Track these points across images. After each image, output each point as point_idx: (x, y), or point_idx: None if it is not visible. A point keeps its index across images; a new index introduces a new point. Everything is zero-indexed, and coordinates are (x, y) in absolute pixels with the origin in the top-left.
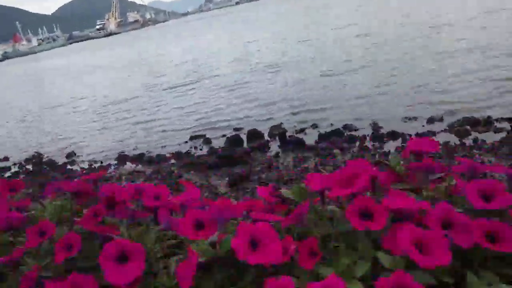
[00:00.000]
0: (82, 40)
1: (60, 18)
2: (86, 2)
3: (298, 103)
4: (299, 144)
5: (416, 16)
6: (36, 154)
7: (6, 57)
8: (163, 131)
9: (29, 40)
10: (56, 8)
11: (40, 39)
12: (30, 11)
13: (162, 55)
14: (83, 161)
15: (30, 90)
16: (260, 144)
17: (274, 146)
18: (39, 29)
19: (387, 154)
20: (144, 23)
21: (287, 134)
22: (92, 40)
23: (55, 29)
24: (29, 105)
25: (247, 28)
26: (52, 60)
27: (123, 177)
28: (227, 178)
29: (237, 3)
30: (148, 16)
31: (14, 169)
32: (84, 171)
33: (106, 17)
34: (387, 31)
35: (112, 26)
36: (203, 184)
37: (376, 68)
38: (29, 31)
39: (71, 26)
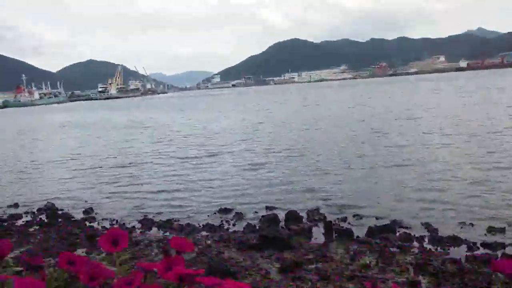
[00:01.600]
0: (82, 100)
1: (63, 77)
2: (89, 66)
3: (328, 191)
4: (347, 235)
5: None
6: (49, 204)
7: (6, 105)
8: (187, 198)
9: (31, 93)
10: (61, 68)
11: (43, 93)
12: (36, 66)
13: (168, 125)
14: (103, 219)
15: (35, 142)
16: (302, 228)
17: (318, 233)
18: (43, 84)
19: (455, 262)
20: (145, 92)
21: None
22: (92, 100)
23: (58, 86)
24: (37, 157)
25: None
26: (59, 115)
27: (153, 244)
28: (278, 263)
29: (233, 85)
30: (148, 86)
31: (26, 217)
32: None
33: (109, 81)
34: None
35: (113, 90)
36: (250, 266)
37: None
38: (32, 84)
39: (73, 86)
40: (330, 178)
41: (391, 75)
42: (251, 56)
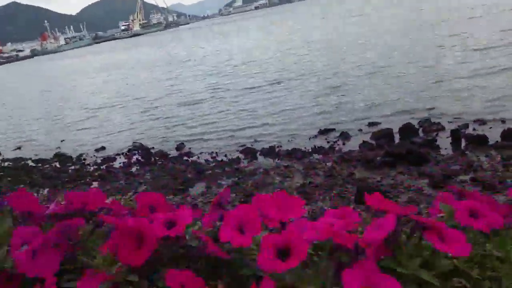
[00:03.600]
0: (107, 40)
1: (84, 19)
2: (108, 4)
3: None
4: (480, 141)
5: None
6: (137, 143)
7: (34, 54)
8: (275, 125)
9: (56, 39)
10: (79, 9)
11: (68, 38)
12: (55, 10)
13: (216, 54)
14: (201, 153)
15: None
16: (425, 140)
17: (445, 144)
18: (66, 28)
19: None
20: (167, 25)
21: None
22: (118, 40)
23: (82, 29)
24: (96, 101)
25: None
26: (106, 55)
27: (272, 173)
28: (424, 179)
29: (256, 7)
30: (170, 18)
31: (120, 159)
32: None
33: (131, 18)
34: None
35: (136, 27)
36: (394, 184)
37: None
38: (56, 30)
39: (95, 27)
40: (416, 92)
41: None
42: None
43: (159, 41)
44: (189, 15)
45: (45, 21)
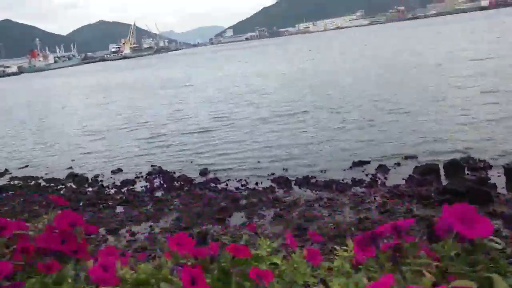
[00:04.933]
0: (96, 61)
1: (75, 40)
2: (100, 27)
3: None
4: None
5: None
6: (157, 167)
7: (21, 71)
8: (304, 155)
9: (45, 57)
10: (71, 30)
11: (57, 56)
12: (46, 30)
13: (206, 82)
14: (228, 180)
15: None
16: (479, 178)
17: (499, 181)
18: (57, 47)
19: None
20: (158, 50)
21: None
22: (106, 61)
23: (72, 49)
24: (98, 124)
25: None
26: (91, 77)
27: (316, 205)
28: (499, 219)
29: (247, 39)
30: (161, 44)
31: (140, 182)
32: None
33: (122, 41)
34: None
35: (127, 50)
36: None
37: None
38: (46, 48)
39: (85, 48)
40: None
41: (409, 19)
42: (264, 7)
43: (152, 64)
44: (180, 42)
45: (36, 39)
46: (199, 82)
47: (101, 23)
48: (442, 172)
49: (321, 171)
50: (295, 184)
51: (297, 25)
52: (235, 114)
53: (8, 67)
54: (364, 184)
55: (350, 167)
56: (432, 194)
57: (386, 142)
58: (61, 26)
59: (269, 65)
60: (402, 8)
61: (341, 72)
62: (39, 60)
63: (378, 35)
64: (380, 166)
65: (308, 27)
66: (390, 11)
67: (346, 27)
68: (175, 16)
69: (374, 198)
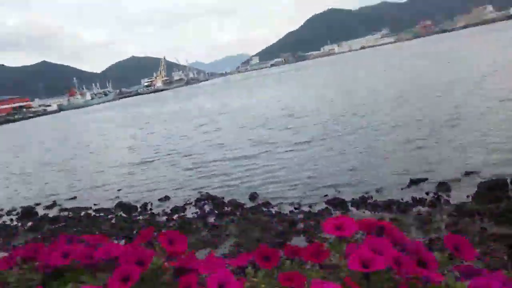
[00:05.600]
0: (130, 96)
1: (109, 76)
2: (131, 63)
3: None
4: None
5: None
6: (205, 193)
7: (61, 108)
8: (356, 175)
9: (83, 95)
10: (104, 68)
11: (93, 93)
12: (80, 69)
13: (243, 108)
14: (281, 203)
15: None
16: None
17: None
18: (93, 84)
19: None
20: (188, 81)
21: None
22: (140, 95)
23: (107, 85)
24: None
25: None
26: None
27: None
28: None
29: (272, 65)
30: (191, 75)
31: (190, 209)
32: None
33: (154, 75)
34: None
35: (159, 83)
36: None
37: None
38: (83, 86)
39: (119, 83)
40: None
41: (437, 32)
42: (288, 33)
43: (185, 96)
44: (208, 72)
45: (74, 78)
46: (234, 109)
47: (132, 59)
48: (510, 186)
49: (377, 191)
50: (352, 206)
51: (322, 48)
52: (274, 139)
53: (48, 105)
54: (427, 203)
55: (408, 186)
56: (505, 210)
57: (441, 159)
58: (95, 64)
59: (298, 89)
60: (429, 22)
61: (377, 92)
62: (77, 98)
63: (404, 54)
64: (440, 183)
65: (333, 49)
66: (416, 26)
67: (371, 46)
68: (201, 48)
69: (441, 217)
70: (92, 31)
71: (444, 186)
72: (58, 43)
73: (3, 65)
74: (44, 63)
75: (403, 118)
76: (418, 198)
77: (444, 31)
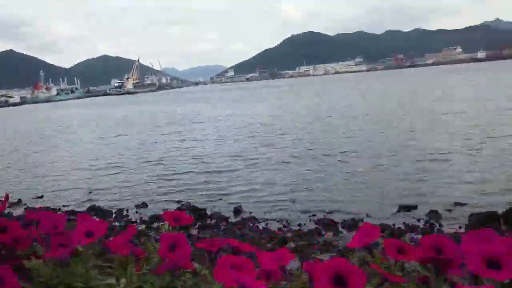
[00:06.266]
0: (99, 95)
1: (78, 73)
2: (102, 62)
3: None
4: None
5: None
6: (185, 203)
7: (24, 101)
8: (340, 196)
9: (48, 89)
10: (74, 63)
11: (60, 89)
12: (50, 62)
13: (216, 118)
14: (267, 219)
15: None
16: None
17: None
18: (60, 80)
19: None
20: (161, 87)
21: None
22: (108, 96)
23: (75, 82)
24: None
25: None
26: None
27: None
28: None
29: (247, 79)
30: (164, 80)
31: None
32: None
33: (126, 76)
34: None
35: (130, 85)
36: None
37: None
38: (50, 80)
39: (88, 81)
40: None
41: (408, 66)
42: (266, 49)
43: (156, 100)
44: (181, 79)
45: (41, 71)
46: (209, 119)
47: (104, 57)
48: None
49: (367, 215)
50: (342, 227)
51: (297, 68)
52: (254, 153)
53: (10, 97)
54: (420, 230)
55: (397, 211)
56: None
57: (430, 187)
58: (64, 59)
59: (278, 105)
60: (401, 56)
61: (358, 117)
62: (42, 92)
63: (377, 81)
64: (431, 211)
65: (308, 71)
66: (388, 58)
67: (345, 72)
68: (177, 54)
69: None
70: (65, 23)
71: (435, 214)
72: (27, 33)
73: None
74: (10, 52)
75: (387, 145)
76: (410, 225)
77: (414, 65)
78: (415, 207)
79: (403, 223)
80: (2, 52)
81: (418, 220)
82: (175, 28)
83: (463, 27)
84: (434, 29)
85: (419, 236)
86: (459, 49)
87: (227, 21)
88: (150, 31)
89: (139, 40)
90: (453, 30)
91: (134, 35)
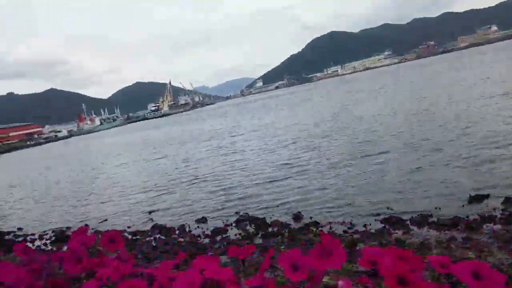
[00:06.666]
0: (138, 120)
1: (115, 102)
2: (135, 88)
3: None
4: None
5: None
6: (244, 214)
7: (71, 134)
8: (402, 192)
9: (92, 120)
10: (110, 94)
11: (102, 118)
12: (88, 95)
13: (271, 127)
14: (331, 222)
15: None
16: None
17: None
18: (101, 110)
19: None
20: (194, 105)
21: None
22: (147, 120)
23: (115, 110)
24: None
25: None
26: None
27: (452, 245)
28: None
29: (276, 87)
30: (196, 99)
31: (232, 230)
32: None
33: (161, 99)
34: None
35: (165, 107)
36: None
37: None
38: (92, 112)
39: (125, 109)
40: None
41: (441, 53)
42: (291, 55)
43: (192, 119)
44: (213, 96)
45: (83, 104)
46: (248, 131)
47: (137, 84)
48: None
49: (436, 208)
50: (411, 224)
51: (325, 69)
52: (301, 160)
53: (59, 131)
54: (498, 221)
55: (469, 203)
56: None
57: (498, 175)
58: (100, 91)
59: (310, 110)
60: (432, 43)
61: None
62: (87, 123)
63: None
64: (507, 199)
65: (337, 71)
66: (420, 47)
67: (375, 67)
68: (206, 73)
69: None
70: (96, 59)
71: (510, 202)
72: (64, 71)
73: (12, 92)
74: (52, 90)
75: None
76: (486, 216)
77: (448, 51)
78: (487, 196)
79: (478, 214)
80: (44, 91)
81: (494, 209)
82: (201, 48)
83: (496, 4)
84: (463, 10)
85: (498, 227)
86: (494, 27)
87: (250, 34)
88: (177, 54)
89: (168, 65)
90: (484, 8)
91: (163, 60)
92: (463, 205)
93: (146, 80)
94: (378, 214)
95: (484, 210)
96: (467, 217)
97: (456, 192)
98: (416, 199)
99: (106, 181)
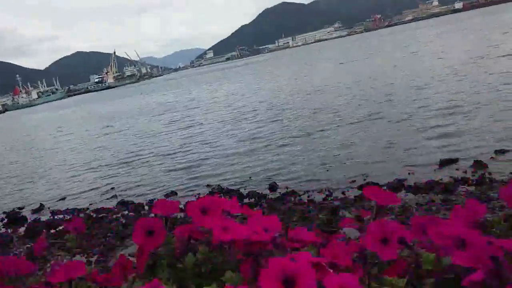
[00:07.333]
0: (80, 93)
1: (54, 73)
2: (76, 59)
3: None
4: None
5: None
6: (216, 186)
7: (6, 109)
8: (369, 156)
9: (28, 93)
10: (48, 64)
11: (40, 91)
12: (23, 65)
13: (215, 101)
14: (307, 191)
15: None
16: None
17: None
18: (39, 82)
19: None
20: (141, 77)
21: None
22: (91, 92)
23: (54, 83)
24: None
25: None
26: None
27: (434, 208)
28: None
29: (227, 59)
30: (144, 70)
31: None
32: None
33: (105, 71)
34: None
35: (110, 79)
36: None
37: None
38: (28, 84)
39: (66, 80)
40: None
41: (386, 26)
42: (242, 26)
43: (140, 91)
44: (161, 67)
45: (17, 75)
46: (204, 103)
47: (78, 54)
48: None
49: (409, 173)
50: (388, 189)
51: (276, 41)
52: (264, 132)
53: None
54: (473, 182)
55: (439, 167)
56: None
57: (461, 140)
58: (38, 61)
59: (268, 81)
60: (379, 16)
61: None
62: (22, 97)
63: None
64: (476, 162)
65: (288, 43)
66: (367, 20)
67: (326, 39)
68: (153, 43)
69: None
70: (33, 25)
71: (480, 164)
72: None
73: None
74: None
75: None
76: (459, 178)
77: (393, 24)
78: (456, 160)
79: (451, 177)
80: None
81: (465, 172)
82: (147, 16)
83: None
84: None
85: (472, 188)
86: (435, 2)
87: (198, 2)
88: (121, 23)
89: (112, 33)
90: None
91: (106, 28)
92: (434, 170)
93: (87, 50)
94: (354, 181)
95: (456, 174)
96: (441, 180)
97: (427, 158)
98: (389, 167)
99: (57, 157)
